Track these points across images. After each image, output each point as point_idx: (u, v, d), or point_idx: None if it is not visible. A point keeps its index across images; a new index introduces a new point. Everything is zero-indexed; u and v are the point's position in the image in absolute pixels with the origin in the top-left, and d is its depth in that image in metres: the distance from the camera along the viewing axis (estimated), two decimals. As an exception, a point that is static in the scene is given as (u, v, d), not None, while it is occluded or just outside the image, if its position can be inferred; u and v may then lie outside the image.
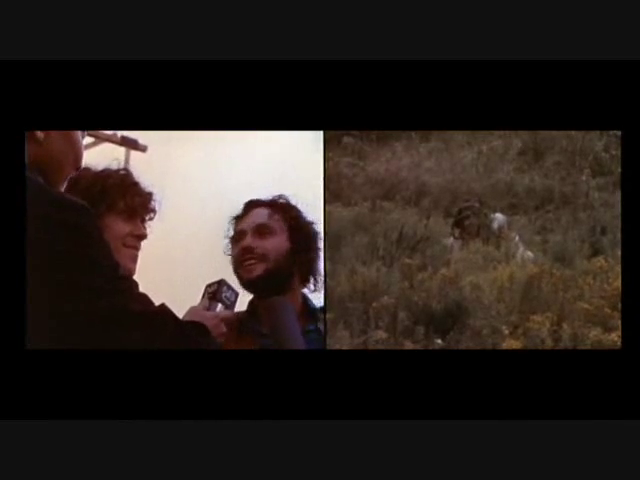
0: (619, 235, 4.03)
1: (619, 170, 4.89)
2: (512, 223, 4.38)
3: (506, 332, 3.17)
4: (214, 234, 2.21)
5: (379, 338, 3.24)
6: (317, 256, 2.07)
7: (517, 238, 4.18)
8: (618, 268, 3.48)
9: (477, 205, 4.42)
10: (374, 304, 3.40)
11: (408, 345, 3.19)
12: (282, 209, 2.07)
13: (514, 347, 3.06)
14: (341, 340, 3.22)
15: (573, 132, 5.02)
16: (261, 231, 2.01)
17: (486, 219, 4.33)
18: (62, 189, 1.81)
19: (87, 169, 2.09)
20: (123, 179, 2.05)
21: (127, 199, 1.99)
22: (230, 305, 1.98)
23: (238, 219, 2.07)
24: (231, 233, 2.05)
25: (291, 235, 2.01)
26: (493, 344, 3.12)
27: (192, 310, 1.93)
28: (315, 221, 2.09)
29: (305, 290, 2.07)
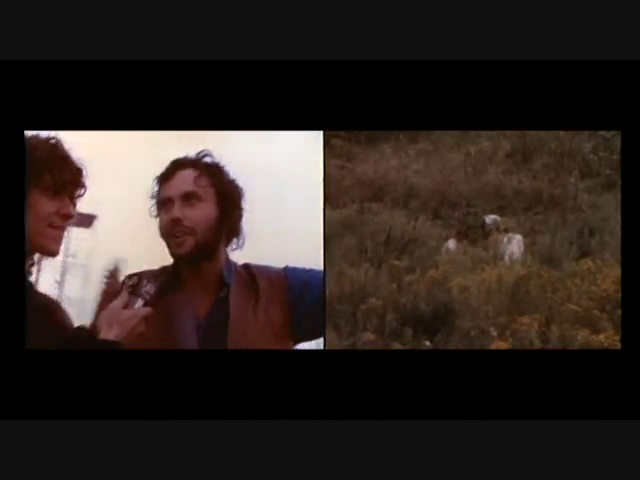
0: (607, 237, 4.07)
1: (607, 172, 4.95)
2: (502, 224, 4.38)
3: (494, 334, 3.16)
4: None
5: (367, 340, 3.22)
6: (240, 215, 1.99)
7: (506, 239, 4.18)
8: (606, 270, 3.50)
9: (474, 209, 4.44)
10: (362, 306, 3.38)
11: (396, 347, 3.17)
12: (207, 169, 1.99)
13: (502, 348, 3.05)
14: (329, 342, 3.21)
15: (562, 134, 5.03)
16: (189, 199, 1.93)
17: (477, 220, 4.34)
18: None
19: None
20: (51, 151, 1.86)
21: (54, 173, 1.81)
22: (149, 300, 1.93)
23: (163, 180, 1.97)
24: (157, 196, 1.96)
25: (218, 200, 1.94)
26: (481, 345, 3.11)
27: (111, 311, 1.88)
28: (237, 179, 2.00)
29: (228, 249, 2.00)
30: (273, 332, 2.05)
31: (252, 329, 2.01)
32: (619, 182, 2.76)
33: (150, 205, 1.98)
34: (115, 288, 1.99)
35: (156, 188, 1.99)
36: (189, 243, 1.92)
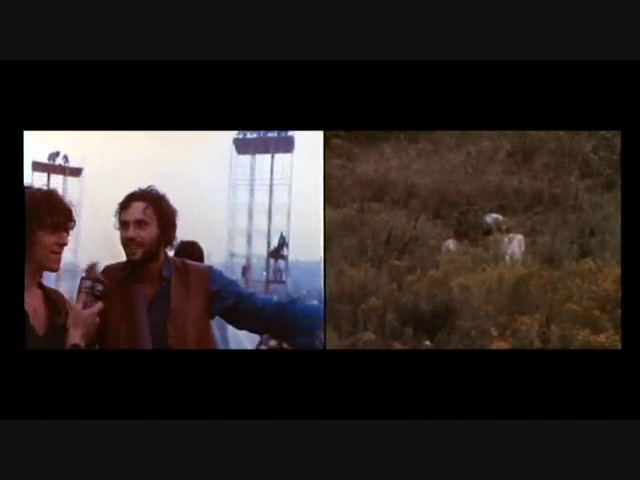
0: (608, 237, 4.08)
1: (607, 172, 4.96)
2: (504, 223, 4.38)
3: (494, 333, 3.16)
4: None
5: (368, 340, 3.23)
6: (174, 229, 2.69)
7: (507, 239, 4.18)
8: (607, 269, 3.50)
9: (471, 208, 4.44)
10: (363, 306, 3.39)
11: (397, 347, 3.17)
12: (153, 201, 2.65)
13: (502, 348, 3.05)
14: (330, 341, 3.21)
15: (562, 133, 5.03)
16: (139, 224, 2.62)
17: (477, 219, 4.35)
18: None
19: (29, 188, 2.42)
20: (50, 199, 2.41)
21: (53, 217, 2.37)
22: (100, 296, 2.41)
23: (123, 208, 2.65)
24: (118, 217, 2.65)
25: (159, 223, 2.64)
26: (481, 345, 3.11)
27: (74, 313, 2.36)
28: (172, 206, 2.70)
29: (166, 251, 2.71)
30: (197, 313, 2.64)
31: (185, 309, 2.63)
32: (619, 182, 2.76)
33: (114, 221, 2.68)
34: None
35: (118, 212, 2.66)
36: (139, 252, 2.63)
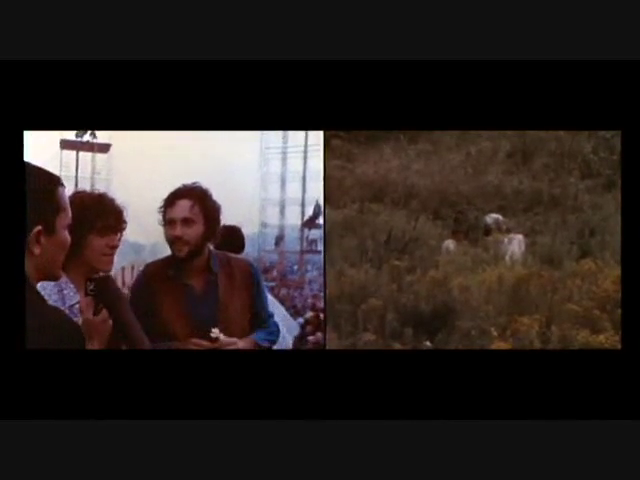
0: (608, 237, 4.08)
1: (607, 172, 4.96)
2: (504, 224, 4.38)
3: (495, 334, 3.16)
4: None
5: (368, 340, 3.23)
6: (219, 225, 2.76)
7: (507, 240, 4.18)
8: (607, 270, 3.50)
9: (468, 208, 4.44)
10: (363, 306, 3.39)
11: (397, 347, 3.17)
12: (199, 198, 2.71)
13: (502, 348, 3.05)
14: (330, 342, 3.21)
15: (562, 134, 5.03)
16: (186, 222, 2.68)
17: (474, 220, 4.34)
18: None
19: (77, 193, 2.46)
20: (99, 202, 2.46)
21: (103, 220, 2.42)
22: (94, 295, 2.25)
23: (168, 205, 2.71)
24: (164, 215, 2.71)
25: (205, 220, 2.71)
26: (481, 345, 3.11)
27: (86, 322, 2.20)
28: (216, 202, 2.75)
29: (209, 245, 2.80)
30: (243, 307, 2.75)
31: (232, 303, 2.73)
32: (619, 182, 2.76)
33: (159, 218, 2.73)
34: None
35: (162, 209, 2.72)
36: (185, 250, 2.69)
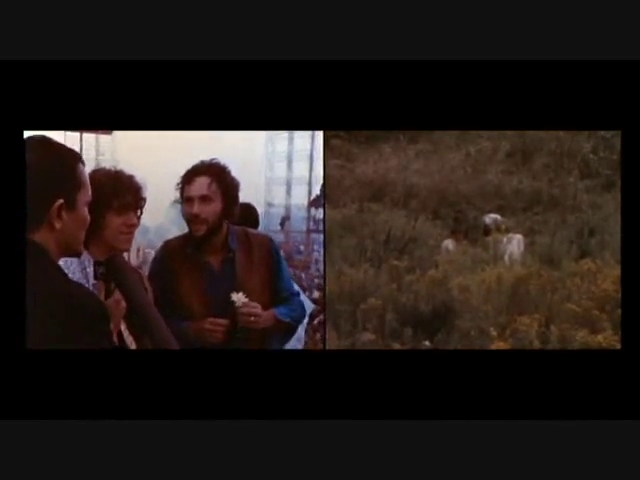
0: (607, 237, 4.08)
1: (607, 172, 4.96)
2: (503, 224, 4.38)
3: (494, 334, 3.16)
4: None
5: (367, 340, 3.23)
6: (237, 202, 2.72)
7: (506, 239, 4.18)
8: (606, 270, 3.50)
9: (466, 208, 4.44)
10: (362, 306, 3.39)
11: (396, 347, 3.18)
12: (217, 175, 2.67)
13: (502, 348, 3.05)
14: (329, 341, 3.21)
15: (561, 134, 5.03)
16: (204, 200, 2.64)
17: (473, 219, 4.35)
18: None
19: (97, 171, 2.42)
20: (115, 181, 2.40)
21: (120, 199, 2.37)
22: (103, 278, 2.32)
23: (186, 182, 2.67)
24: (181, 193, 2.68)
25: (223, 198, 2.66)
26: (481, 345, 3.11)
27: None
28: (235, 179, 2.72)
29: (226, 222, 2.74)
30: (262, 283, 2.72)
31: (250, 280, 2.69)
32: (619, 182, 2.76)
33: (176, 196, 2.70)
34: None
35: (180, 186, 2.68)
36: (203, 229, 2.64)
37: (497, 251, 4.02)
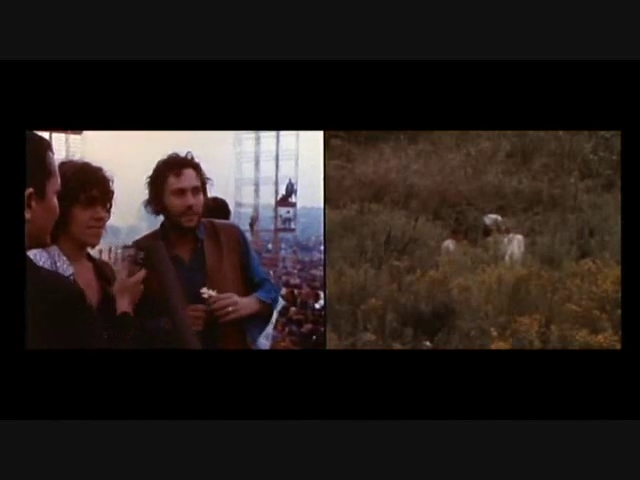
0: (607, 237, 4.08)
1: (607, 172, 4.96)
2: (503, 224, 4.38)
3: (494, 334, 3.17)
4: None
5: (367, 340, 3.23)
6: (207, 194, 2.75)
7: (506, 240, 4.18)
8: (606, 270, 3.50)
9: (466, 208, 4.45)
10: (362, 306, 3.39)
11: (396, 347, 3.18)
12: (197, 167, 2.70)
13: (502, 348, 3.05)
14: (330, 342, 3.21)
15: (561, 134, 5.03)
16: (195, 191, 2.66)
17: (473, 220, 4.35)
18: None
19: (64, 163, 2.37)
20: (82, 173, 2.38)
21: (87, 192, 2.35)
22: (142, 263, 2.46)
23: (174, 176, 2.65)
24: (166, 185, 2.65)
25: (202, 189, 2.71)
26: (481, 345, 3.11)
27: (120, 282, 2.41)
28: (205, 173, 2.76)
29: None
30: (233, 272, 2.74)
31: (221, 269, 2.71)
32: (619, 182, 2.76)
33: (165, 188, 2.65)
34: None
35: (164, 179, 2.65)
36: (195, 219, 2.66)
37: (498, 251, 4.03)
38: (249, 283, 2.79)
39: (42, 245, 1.92)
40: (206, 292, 2.62)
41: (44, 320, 1.75)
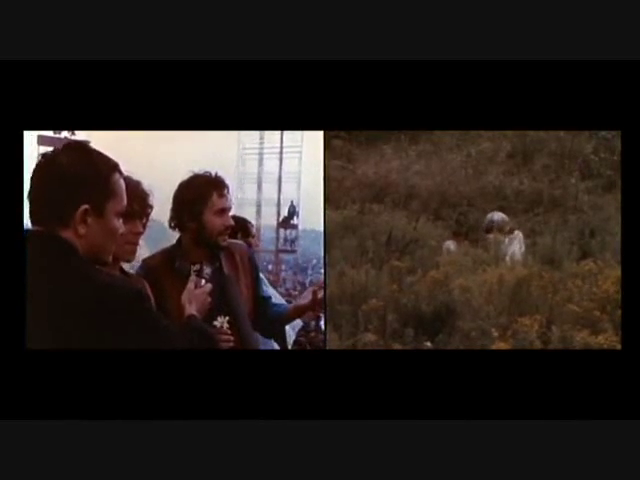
0: (608, 238, 4.07)
1: (608, 173, 4.95)
2: (508, 224, 4.38)
3: (495, 334, 3.16)
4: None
5: (368, 340, 3.22)
6: None
7: (507, 240, 4.18)
8: (607, 271, 3.50)
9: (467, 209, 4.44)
10: (363, 307, 3.38)
11: (397, 347, 3.17)
12: (228, 189, 2.79)
13: (503, 349, 3.05)
14: (330, 342, 3.21)
15: (562, 134, 5.03)
16: (229, 211, 2.77)
17: (474, 220, 4.35)
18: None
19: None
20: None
21: (128, 206, 2.18)
22: (208, 279, 2.56)
23: (218, 197, 2.73)
24: (208, 205, 2.72)
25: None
26: (482, 346, 3.11)
27: (188, 291, 2.38)
28: None
29: None
30: (248, 291, 2.82)
31: (237, 287, 2.77)
32: (619, 183, 2.76)
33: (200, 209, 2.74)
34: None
35: (207, 199, 2.71)
36: (227, 239, 2.77)
37: (498, 252, 4.02)
38: (260, 301, 2.90)
39: (103, 264, 1.93)
40: (219, 321, 2.68)
41: (108, 319, 1.80)
